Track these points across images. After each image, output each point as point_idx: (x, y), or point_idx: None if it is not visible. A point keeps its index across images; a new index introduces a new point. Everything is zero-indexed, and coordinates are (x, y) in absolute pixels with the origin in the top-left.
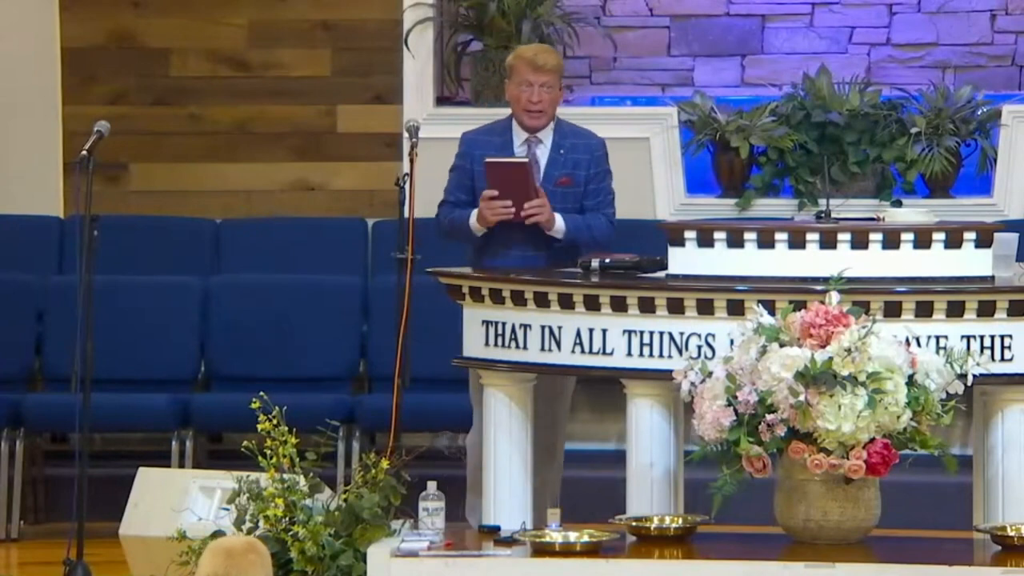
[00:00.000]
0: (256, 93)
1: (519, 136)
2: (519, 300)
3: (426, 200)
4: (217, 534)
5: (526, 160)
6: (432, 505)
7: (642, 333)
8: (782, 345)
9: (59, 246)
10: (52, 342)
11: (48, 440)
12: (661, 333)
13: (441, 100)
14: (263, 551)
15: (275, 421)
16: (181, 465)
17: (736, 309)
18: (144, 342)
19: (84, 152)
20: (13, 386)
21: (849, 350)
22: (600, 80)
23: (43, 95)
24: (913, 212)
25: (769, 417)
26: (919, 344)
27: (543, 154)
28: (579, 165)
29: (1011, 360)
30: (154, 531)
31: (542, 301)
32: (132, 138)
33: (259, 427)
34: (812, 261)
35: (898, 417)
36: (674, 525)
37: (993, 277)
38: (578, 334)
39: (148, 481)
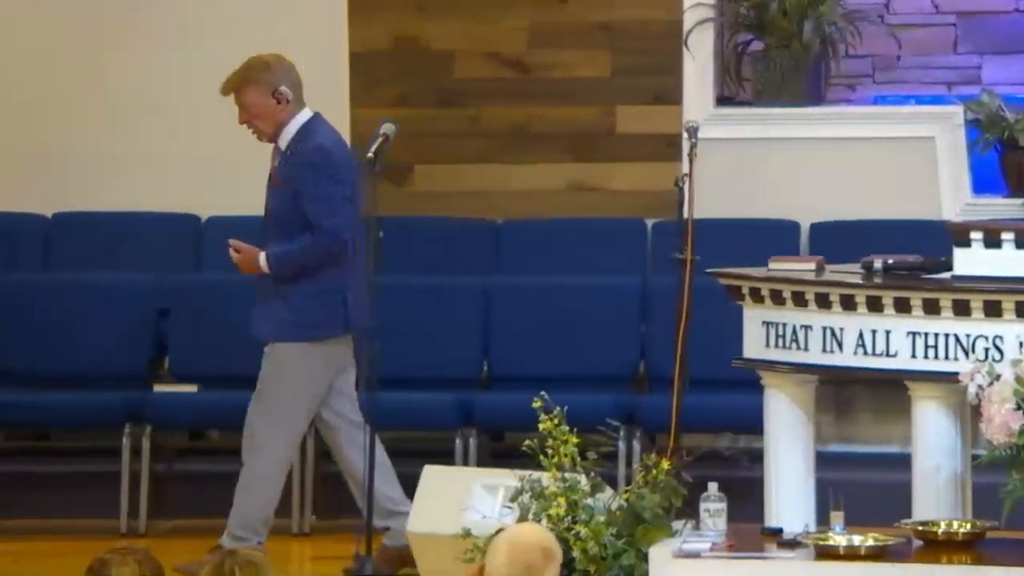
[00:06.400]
0: (536, 95)
1: None
2: (800, 301)
3: (706, 201)
4: (500, 532)
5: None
6: (714, 506)
7: (927, 335)
8: None
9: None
10: None
11: None
12: (947, 335)
13: (721, 100)
14: (557, 557)
15: (556, 420)
16: (465, 463)
17: None
18: (427, 342)
19: (370, 155)
20: None
21: None
22: (883, 79)
23: (332, 98)
24: None
25: None
26: None
27: (277, 160)
28: (293, 171)
29: None
30: (439, 528)
31: (823, 302)
32: (415, 140)
33: (540, 426)
34: None
35: None
36: (962, 530)
37: None
38: (860, 335)
39: (433, 479)
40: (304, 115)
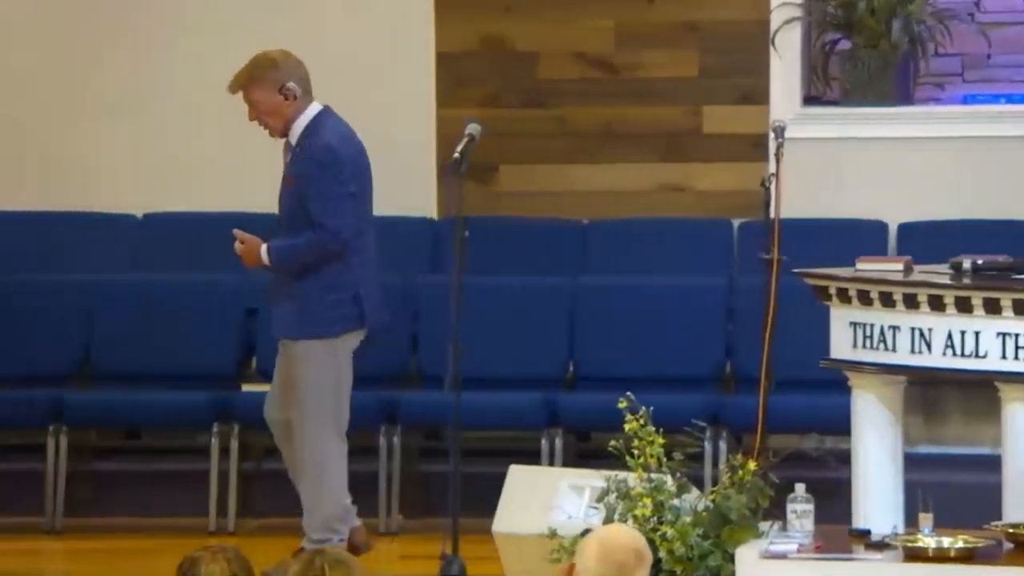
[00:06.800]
0: (622, 95)
1: None
2: (888, 301)
3: (793, 201)
4: (586, 532)
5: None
6: (801, 507)
7: (1017, 336)
8: None
9: (432, 247)
10: (426, 341)
11: (423, 437)
12: None
13: (809, 100)
14: (647, 559)
15: (642, 421)
16: (551, 463)
17: None
18: (513, 342)
19: (456, 155)
20: (390, 384)
21: None
22: (973, 78)
23: (419, 98)
24: None
25: None
26: None
27: (288, 155)
28: (300, 168)
29: None
30: (526, 528)
31: (911, 303)
32: (501, 140)
33: (626, 427)
34: None
35: None
36: None
37: None
38: (949, 336)
39: (519, 479)
40: (313, 109)
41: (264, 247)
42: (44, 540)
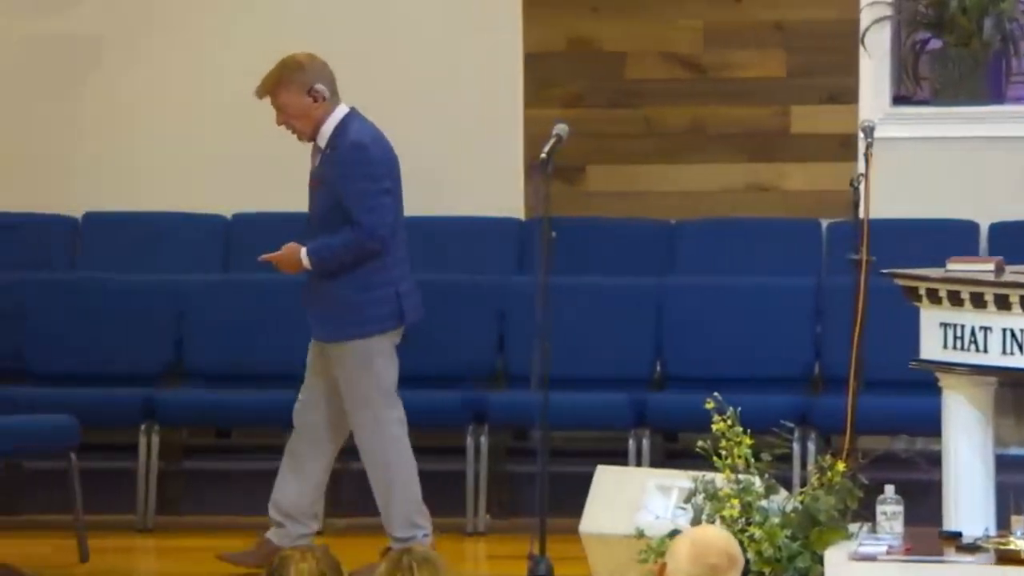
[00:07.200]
0: (710, 95)
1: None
2: (979, 302)
3: (883, 201)
4: (674, 533)
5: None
6: (891, 509)
7: None
8: None
9: (519, 247)
10: (513, 341)
11: (511, 436)
12: None
13: (898, 99)
14: (740, 563)
15: (730, 422)
16: (638, 463)
17: None
18: (601, 342)
19: (543, 155)
20: (477, 384)
21: None
22: None
23: (506, 99)
24: None
25: None
26: None
27: (317, 159)
28: (332, 169)
29: None
30: (613, 529)
31: (1003, 303)
32: (588, 140)
33: (714, 427)
34: None
35: None
36: None
37: None
38: None
39: (606, 479)
40: (340, 111)
41: (304, 250)
42: (136, 538)
